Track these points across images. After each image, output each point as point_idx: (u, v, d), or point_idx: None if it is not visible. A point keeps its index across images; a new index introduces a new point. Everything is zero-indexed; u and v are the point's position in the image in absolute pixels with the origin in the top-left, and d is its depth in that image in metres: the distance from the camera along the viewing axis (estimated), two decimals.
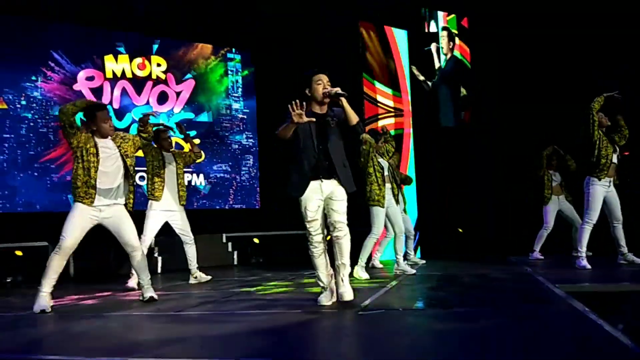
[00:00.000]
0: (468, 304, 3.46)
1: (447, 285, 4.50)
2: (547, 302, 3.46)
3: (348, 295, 3.51)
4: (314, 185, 3.54)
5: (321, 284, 3.65)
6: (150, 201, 5.50)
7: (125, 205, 4.15)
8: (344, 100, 3.52)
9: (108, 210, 4.01)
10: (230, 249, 7.95)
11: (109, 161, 4.01)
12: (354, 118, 3.55)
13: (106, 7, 7.84)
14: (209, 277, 5.66)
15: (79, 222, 3.92)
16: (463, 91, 9.75)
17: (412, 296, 4.15)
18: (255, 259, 7.98)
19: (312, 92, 3.62)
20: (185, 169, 5.92)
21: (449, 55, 9.71)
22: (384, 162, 5.74)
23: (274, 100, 9.58)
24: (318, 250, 3.58)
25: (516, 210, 8.31)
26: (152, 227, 5.44)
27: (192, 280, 5.60)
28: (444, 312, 3.26)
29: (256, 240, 8.19)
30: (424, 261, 6.90)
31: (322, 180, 3.55)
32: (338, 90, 3.55)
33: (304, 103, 3.46)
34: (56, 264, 3.90)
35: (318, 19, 8.76)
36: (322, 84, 3.59)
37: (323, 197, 3.55)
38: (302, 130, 3.55)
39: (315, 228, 3.54)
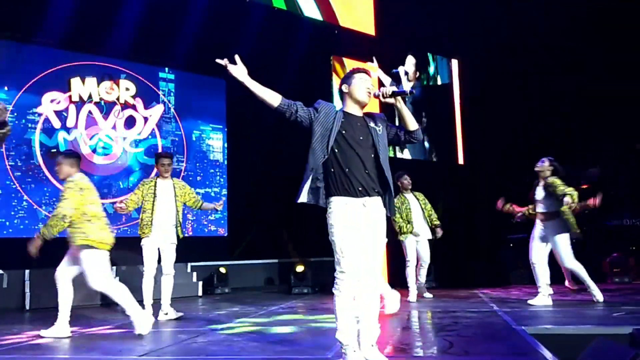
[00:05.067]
0: (439, 350, 3.44)
1: (415, 327, 4.48)
2: (514, 348, 3.48)
3: None
4: (353, 206, 2.85)
5: (343, 341, 2.85)
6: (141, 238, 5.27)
7: None
8: (400, 102, 2.91)
9: None
10: (194, 279, 7.76)
11: None
12: (414, 122, 2.96)
13: (76, 29, 7.67)
14: (181, 314, 5.37)
15: None
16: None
17: (379, 341, 4.09)
18: (220, 289, 7.80)
19: (351, 89, 2.98)
20: None
21: (413, 83, 9.82)
22: None
23: (244, 130, 9.57)
24: (347, 294, 2.80)
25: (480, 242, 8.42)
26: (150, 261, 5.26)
27: (161, 317, 5.26)
28: None
29: (223, 270, 8.02)
30: None
31: (365, 197, 2.87)
32: (395, 88, 2.92)
33: None
34: None
35: (291, 52, 8.82)
36: (366, 84, 2.97)
37: (362, 222, 2.86)
38: (338, 135, 2.88)
39: (350, 262, 2.79)
